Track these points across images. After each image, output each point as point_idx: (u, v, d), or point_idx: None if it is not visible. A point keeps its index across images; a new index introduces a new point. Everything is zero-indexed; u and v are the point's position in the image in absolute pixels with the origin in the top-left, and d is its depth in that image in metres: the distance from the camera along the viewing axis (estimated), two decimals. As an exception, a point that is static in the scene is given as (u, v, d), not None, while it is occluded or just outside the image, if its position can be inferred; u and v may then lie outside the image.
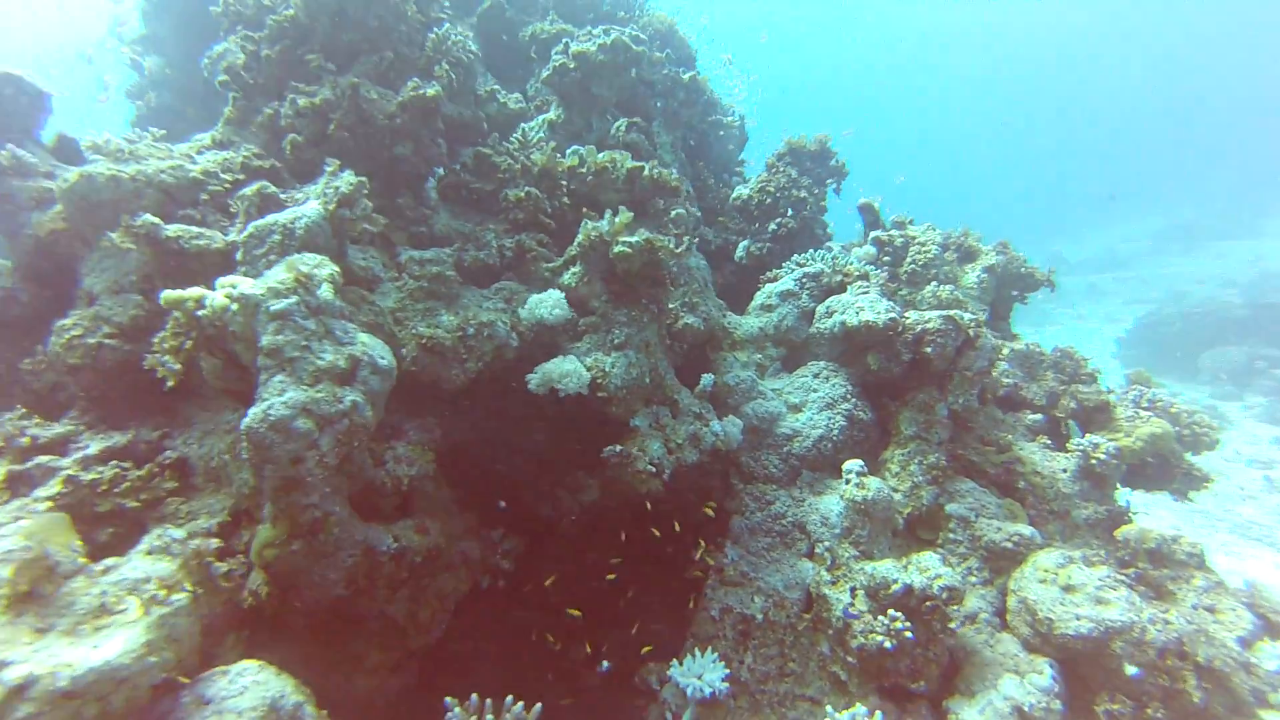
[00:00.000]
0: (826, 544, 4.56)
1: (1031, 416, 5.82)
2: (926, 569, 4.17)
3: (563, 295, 4.49)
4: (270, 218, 3.47)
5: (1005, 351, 6.11)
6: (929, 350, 4.84)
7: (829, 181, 7.52)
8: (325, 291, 3.10)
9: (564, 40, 6.16)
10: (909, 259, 6.74)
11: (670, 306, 4.98)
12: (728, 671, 4.34)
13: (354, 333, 3.25)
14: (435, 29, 4.89)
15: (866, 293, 5.18)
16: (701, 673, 4.27)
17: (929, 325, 4.83)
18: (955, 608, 4.17)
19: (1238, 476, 14.80)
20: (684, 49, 8.74)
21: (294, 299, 2.92)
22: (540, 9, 8.70)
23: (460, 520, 4.54)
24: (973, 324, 5.03)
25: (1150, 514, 13.29)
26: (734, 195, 7.43)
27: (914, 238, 6.83)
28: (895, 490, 4.82)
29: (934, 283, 6.52)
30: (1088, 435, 5.30)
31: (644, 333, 4.57)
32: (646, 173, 5.20)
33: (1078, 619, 3.98)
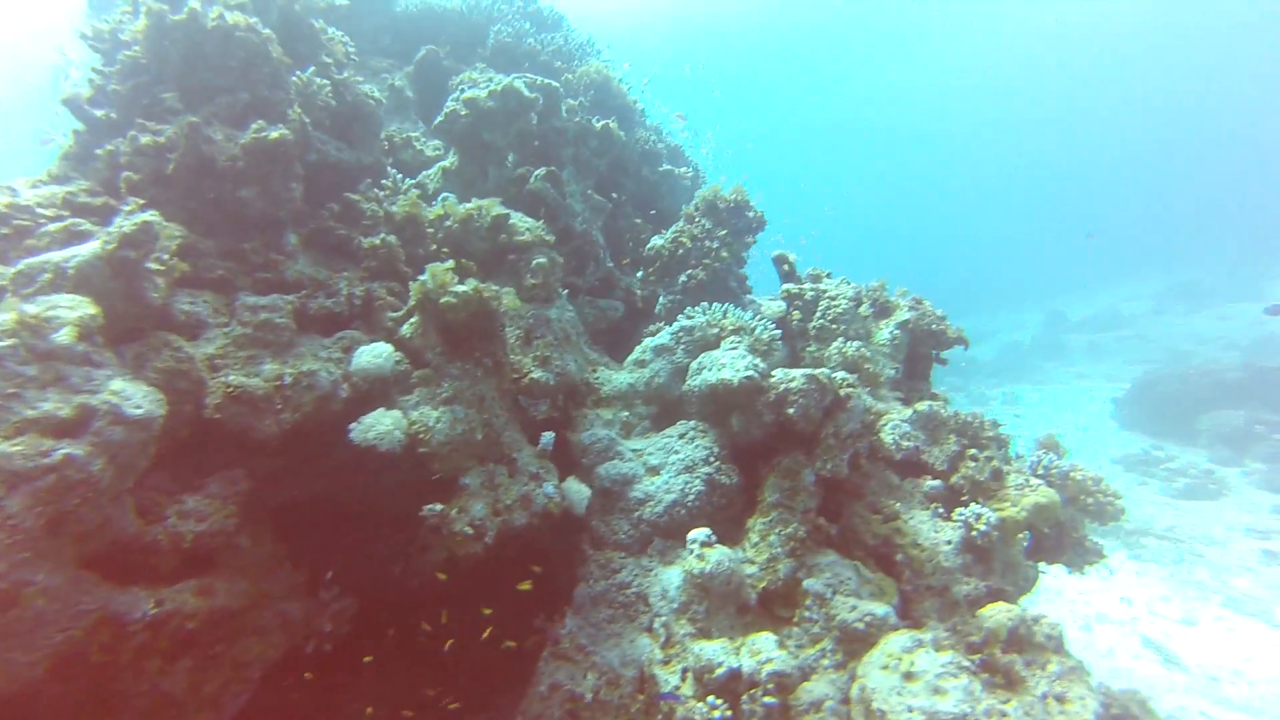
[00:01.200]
0: (663, 619, 4.25)
1: (930, 483, 5.50)
2: (758, 652, 3.86)
3: (389, 346, 4.32)
4: (44, 256, 3.35)
5: (908, 414, 5.83)
6: (791, 411, 4.59)
7: (747, 236, 7.38)
8: (64, 336, 2.95)
9: (460, 88, 6.14)
10: (818, 314, 6.53)
11: (519, 360, 4.79)
12: (544, 756, 4.02)
13: (104, 380, 3.09)
14: (300, 73, 4.84)
15: (735, 349, 4.96)
16: (513, 757, 3.95)
17: (791, 385, 4.59)
18: (791, 697, 3.85)
19: (1235, 546, 14.22)
20: (620, 99, 8.76)
21: (10, 342, 2.77)
22: (477, 57, 8.79)
23: (283, 579, 4.30)
24: (843, 384, 4.79)
25: (1143, 584, 12.77)
26: (649, 246, 7.31)
27: (825, 291, 6.62)
28: (751, 562, 4.52)
29: (840, 339, 6.28)
30: (973, 505, 4.98)
31: (477, 387, 4.37)
32: (511, 222, 5.08)
33: (909, 711, 3.63)
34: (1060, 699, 3.82)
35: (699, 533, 4.29)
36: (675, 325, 5.50)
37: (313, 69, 4.91)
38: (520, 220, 5.23)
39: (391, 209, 4.98)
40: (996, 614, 4.15)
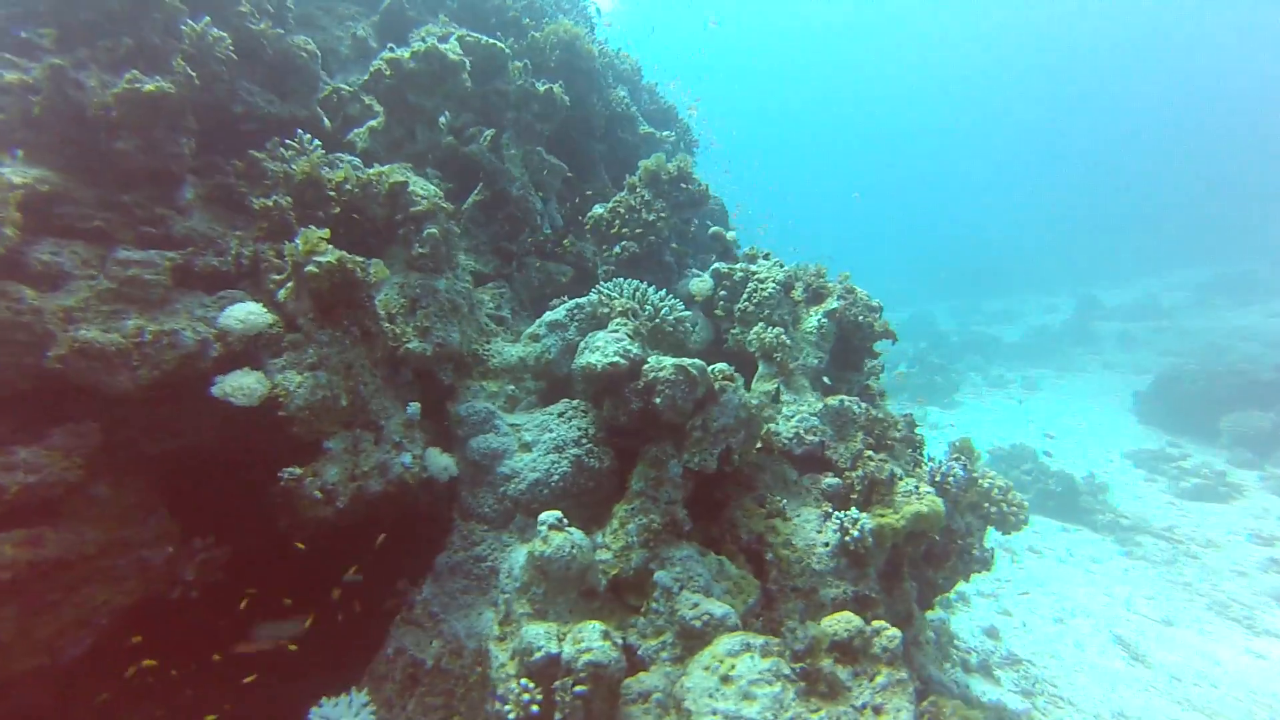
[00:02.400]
0: (506, 596, 4.31)
1: (828, 480, 5.42)
2: (579, 640, 3.89)
3: (259, 307, 4.36)
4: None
5: (818, 406, 5.71)
6: (658, 401, 4.52)
7: (688, 211, 7.20)
8: None
9: (388, 46, 6.02)
10: (744, 296, 6.38)
11: (401, 329, 4.78)
12: (372, 718, 4.15)
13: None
14: (194, 21, 4.79)
15: (616, 331, 4.87)
16: (341, 716, 4.09)
17: (660, 374, 4.51)
18: (622, 685, 3.90)
19: (1234, 550, 13.83)
20: (588, 61, 8.51)
21: None
22: (445, 9, 8.61)
23: (151, 527, 4.45)
24: (720, 376, 4.69)
25: (1129, 581, 12.50)
26: (589, 214, 7.18)
27: (754, 273, 6.45)
28: (607, 548, 4.53)
29: (760, 324, 6.14)
30: (851, 509, 4.89)
31: (345, 354, 4.40)
32: (410, 190, 5.03)
33: (713, 714, 3.64)
34: (877, 710, 3.79)
35: (548, 515, 4.30)
36: (570, 302, 5.43)
37: (207, 19, 4.82)
38: (421, 188, 5.16)
39: (290, 169, 4.95)
40: (833, 623, 4.11)
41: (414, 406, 4.64)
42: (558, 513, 4.35)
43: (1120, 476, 17.37)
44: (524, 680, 3.76)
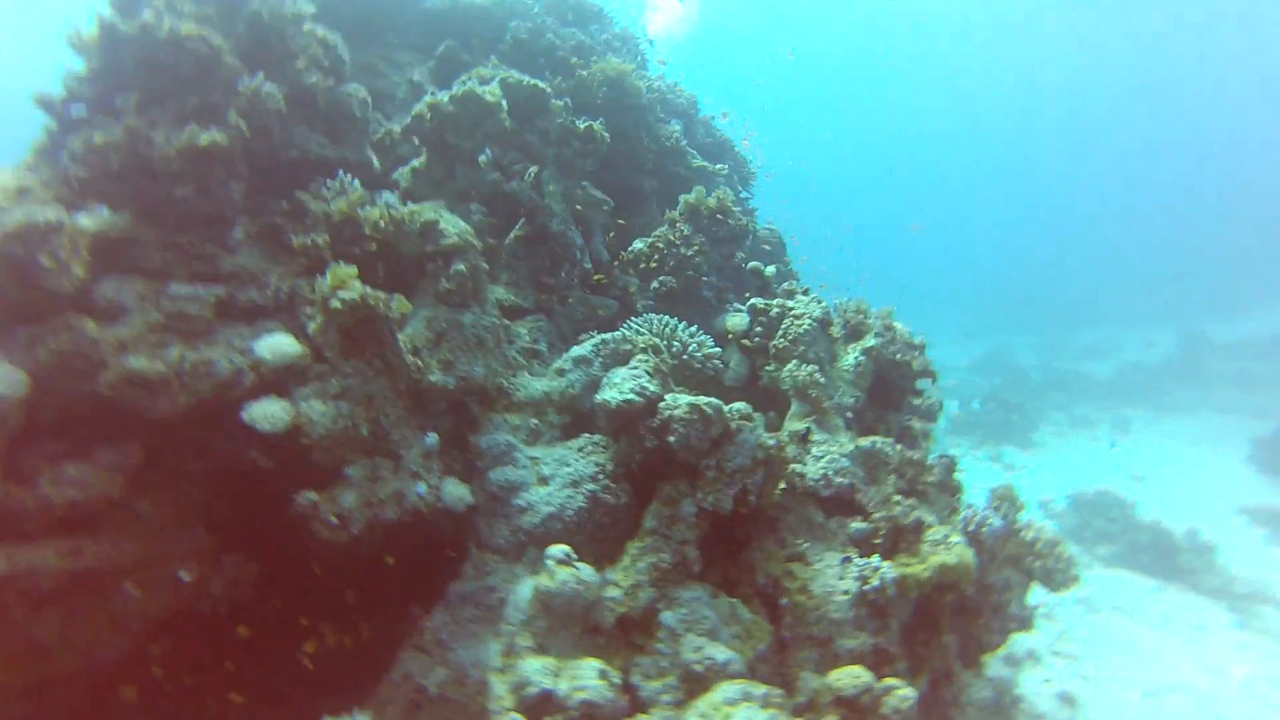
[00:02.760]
0: (511, 628, 4.33)
1: (856, 525, 5.24)
2: (576, 678, 3.86)
3: (289, 338, 4.61)
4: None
5: (849, 448, 5.54)
6: (671, 439, 4.49)
7: (729, 246, 7.20)
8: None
9: (429, 91, 6.33)
10: (779, 332, 6.28)
11: (426, 362, 4.94)
12: (375, 743, 4.23)
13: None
14: (249, 79, 5.17)
15: (635, 368, 4.89)
16: (345, 739, 4.18)
17: (675, 412, 4.48)
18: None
19: None
20: (635, 97, 8.67)
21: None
22: (497, 51, 8.98)
23: (186, 543, 4.73)
24: (738, 416, 4.62)
25: (1245, 659, 11.11)
26: (630, 249, 7.26)
27: (790, 309, 6.36)
28: (617, 585, 4.49)
29: (794, 361, 6.03)
30: (874, 557, 4.70)
31: (368, 386, 4.58)
32: (440, 227, 5.24)
33: (703, 765, 3.54)
34: (878, 774, 3.60)
35: (556, 549, 4.31)
36: (595, 338, 5.48)
37: (261, 75, 5.19)
38: (451, 225, 5.36)
39: (329, 209, 5.24)
40: (840, 678, 3.94)
41: (432, 437, 4.77)
42: (566, 547, 4.36)
43: (1233, 535, 15.17)
44: (515, 715, 3.76)
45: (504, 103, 6.24)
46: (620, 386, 4.64)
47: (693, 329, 6.05)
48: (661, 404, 4.57)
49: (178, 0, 5.07)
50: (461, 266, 5.21)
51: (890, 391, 6.44)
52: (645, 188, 9.52)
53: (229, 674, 4.60)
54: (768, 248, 12.50)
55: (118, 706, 4.37)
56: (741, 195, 13.21)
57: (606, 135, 7.30)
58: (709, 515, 4.64)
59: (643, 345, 5.03)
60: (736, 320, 6.57)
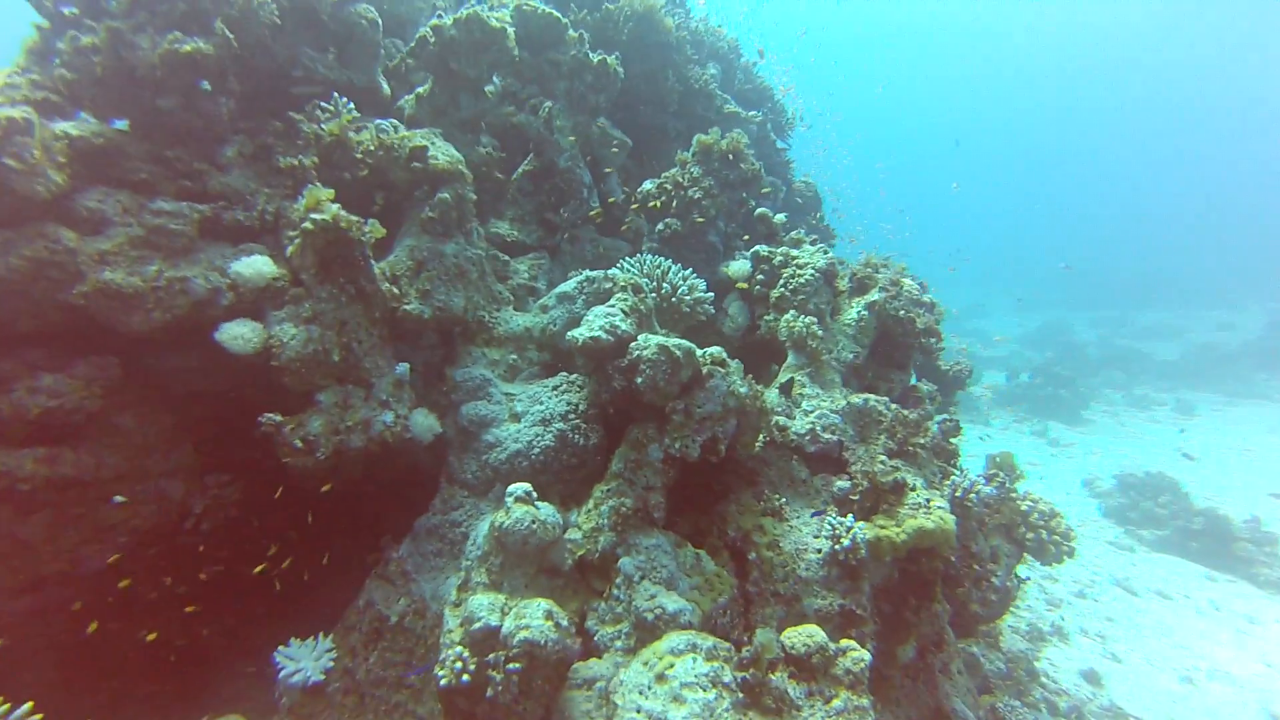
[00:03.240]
0: (468, 563, 4.30)
1: (840, 483, 5.03)
2: (521, 617, 3.81)
3: (264, 259, 4.58)
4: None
5: (841, 404, 5.31)
6: (639, 380, 4.33)
7: (740, 191, 6.87)
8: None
9: (438, 13, 6.12)
10: (781, 281, 6.00)
11: (405, 290, 4.86)
12: (331, 664, 4.29)
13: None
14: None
15: (612, 307, 4.71)
16: (303, 659, 4.25)
17: (644, 353, 4.31)
18: (570, 670, 3.80)
19: None
20: (662, 35, 8.29)
21: None
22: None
23: (172, 459, 4.82)
24: (708, 361, 4.43)
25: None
26: (640, 189, 7.01)
27: (794, 258, 6.06)
28: (578, 528, 4.41)
29: (792, 311, 5.77)
30: (848, 516, 4.50)
31: (341, 311, 4.53)
32: (430, 153, 5.10)
33: (636, 711, 3.46)
34: (819, 736, 3.48)
35: (516, 487, 4.24)
36: (581, 275, 5.30)
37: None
38: (441, 152, 5.22)
39: (320, 130, 5.14)
40: (792, 636, 3.80)
41: (403, 367, 4.72)
42: (527, 485, 4.29)
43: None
44: (460, 649, 3.74)
45: (509, 29, 6.00)
46: (592, 324, 4.48)
47: (686, 272, 5.83)
48: (632, 344, 4.40)
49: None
50: (446, 195, 5.08)
51: (894, 350, 6.12)
52: (670, 129, 9.17)
53: (206, 591, 4.70)
54: (800, 201, 12.05)
55: (104, 609, 4.53)
56: (779, 145, 12.74)
57: (620, 70, 6.99)
58: (678, 462, 4.50)
59: (622, 283, 4.84)
60: (739, 267, 6.31)
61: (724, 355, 4.45)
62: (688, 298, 5.45)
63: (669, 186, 6.80)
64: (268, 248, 4.94)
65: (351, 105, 5.41)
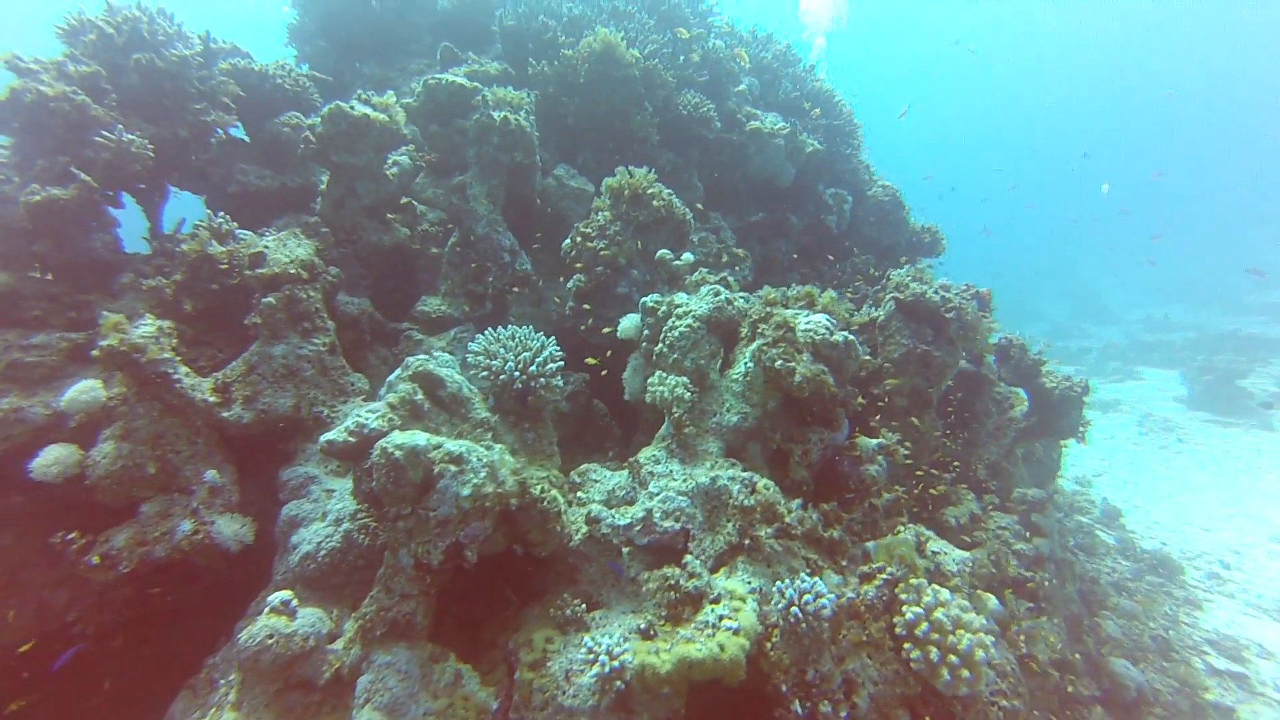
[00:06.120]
0: (224, 682, 4.18)
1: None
2: None
3: (93, 383, 4.90)
4: None
5: (688, 484, 4.49)
6: (373, 485, 3.98)
7: (656, 232, 6.22)
8: None
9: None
10: (662, 334, 5.27)
11: (212, 399, 4.96)
12: None
13: None
14: (105, 133, 5.53)
15: (379, 402, 4.39)
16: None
17: (373, 456, 3.94)
18: None
19: None
20: (624, 69, 7.89)
21: None
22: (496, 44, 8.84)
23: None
24: (442, 459, 3.91)
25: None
26: (563, 249, 6.60)
27: (676, 307, 5.29)
28: (342, 636, 4.12)
29: (659, 372, 5.04)
30: (612, 637, 3.72)
31: (156, 425, 4.73)
32: (271, 257, 5.21)
33: None
34: None
35: (275, 596, 4.04)
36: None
37: (120, 126, 5.54)
38: (282, 254, 5.31)
39: (180, 248, 5.47)
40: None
41: (210, 473, 4.78)
42: (286, 594, 4.08)
43: None
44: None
45: (372, 113, 6.01)
46: (344, 423, 4.21)
47: (540, 341, 5.29)
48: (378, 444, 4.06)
49: (67, 60, 5.64)
50: (271, 299, 5.14)
51: (813, 402, 5.07)
52: (662, 161, 8.69)
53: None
54: (873, 218, 10.88)
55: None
56: (845, 151, 11.59)
57: (526, 125, 6.70)
58: (432, 569, 4.02)
59: (411, 372, 4.51)
60: (628, 322, 5.65)
61: (460, 453, 3.93)
62: (519, 377, 4.92)
63: (578, 239, 6.34)
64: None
65: (235, 224, 5.65)
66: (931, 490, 5.98)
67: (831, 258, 10.14)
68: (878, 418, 5.89)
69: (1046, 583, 6.34)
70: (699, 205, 8.91)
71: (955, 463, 6.96)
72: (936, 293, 6.20)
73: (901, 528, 5.09)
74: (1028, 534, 6.70)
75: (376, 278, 6.88)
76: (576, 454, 6.12)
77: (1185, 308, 37.25)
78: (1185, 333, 30.25)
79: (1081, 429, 8.69)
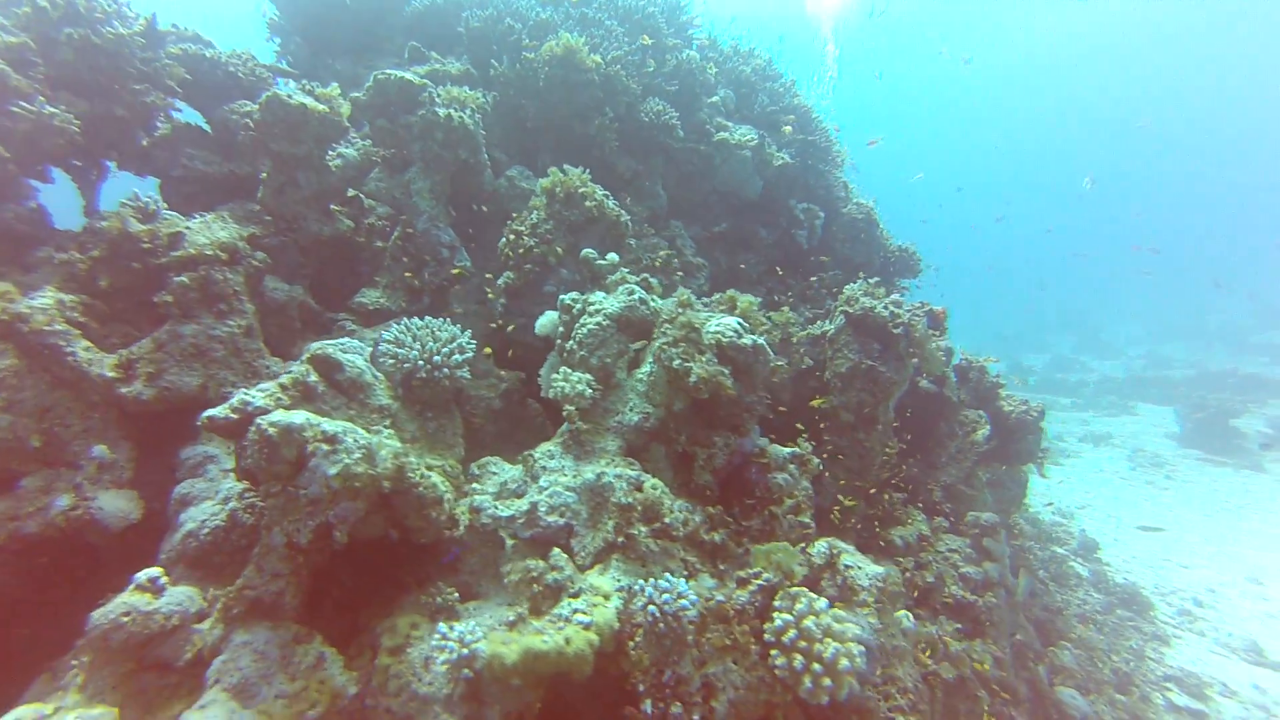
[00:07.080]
0: (75, 663, 4.11)
1: (553, 575, 4.15)
2: (65, 720, 3.53)
3: (-4, 355, 4.89)
4: None
5: (577, 480, 4.42)
6: (248, 463, 3.93)
7: (585, 231, 6.19)
8: None
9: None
10: (574, 333, 5.22)
11: (110, 375, 4.94)
12: None
13: None
14: (23, 104, 5.55)
15: (271, 381, 4.35)
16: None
17: (250, 433, 3.91)
18: None
19: None
20: (585, 73, 7.90)
21: None
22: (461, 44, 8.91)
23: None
24: (315, 437, 3.86)
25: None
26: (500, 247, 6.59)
27: (590, 304, 5.25)
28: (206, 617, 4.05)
29: (562, 369, 4.99)
30: (464, 624, 3.63)
31: (43, 398, 4.70)
32: (189, 238, 5.22)
33: None
34: None
35: (143, 573, 4.00)
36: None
37: (41, 100, 5.56)
38: (201, 236, 5.32)
39: (101, 224, 5.48)
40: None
41: (99, 449, 4.74)
42: (155, 571, 4.03)
43: None
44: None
45: (311, 104, 6.03)
46: (231, 400, 4.17)
47: (451, 333, 5.24)
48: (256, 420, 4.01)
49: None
50: (184, 278, 5.14)
51: (718, 405, 4.99)
52: (622, 168, 8.69)
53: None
54: (845, 236, 10.89)
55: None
56: (821, 167, 11.56)
57: (471, 124, 6.72)
58: (311, 549, 3.96)
59: (309, 355, 4.48)
60: (546, 319, 5.60)
61: (336, 433, 3.88)
62: (445, 372, 4.86)
63: (511, 238, 6.32)
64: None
65: (162, 204, 5.67)
66: (870, 510, 5.87)
67: (799, 272, 10.08)
68: (825, 431, 5.83)
69: (993, 607, 6.22)
70: (658, 212, 8.90)
71: (906, 484, 6.85)
72: (886, 308, 6.11)
73: (821, 541, 4.99)
74: (978, 558, 6.58)
75: (318, 268, 6.88)
76: (508, 451, 6.05)
77: (1189, 345, 36.87)
78: (1185, 370, 29.95)
79: (1041, 455, 8.54)
